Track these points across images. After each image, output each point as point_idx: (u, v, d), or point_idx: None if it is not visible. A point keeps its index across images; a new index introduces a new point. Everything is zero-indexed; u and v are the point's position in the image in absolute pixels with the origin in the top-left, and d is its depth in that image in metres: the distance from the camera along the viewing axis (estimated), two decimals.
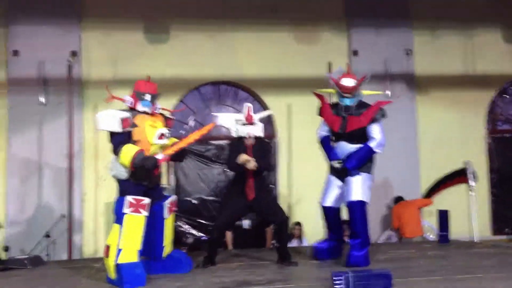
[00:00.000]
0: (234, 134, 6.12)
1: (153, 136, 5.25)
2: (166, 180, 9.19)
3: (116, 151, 5.17)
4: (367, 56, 9.63)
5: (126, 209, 5.10)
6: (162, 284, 5.10)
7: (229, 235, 8.27)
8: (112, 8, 9.36)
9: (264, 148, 6.18)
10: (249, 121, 5.94)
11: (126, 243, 5.05)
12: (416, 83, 9.98)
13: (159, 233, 5.48)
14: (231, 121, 6.16)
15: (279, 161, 9.66)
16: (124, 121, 5.13)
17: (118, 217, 5.14)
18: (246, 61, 9.64)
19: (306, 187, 9.02)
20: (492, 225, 10.11)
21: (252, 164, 5.79)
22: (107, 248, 5.12)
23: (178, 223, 9.21)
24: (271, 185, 9.29)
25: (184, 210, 9.33)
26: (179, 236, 8.86)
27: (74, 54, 8.84)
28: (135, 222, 5.11)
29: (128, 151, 5.06)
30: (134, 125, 5.20)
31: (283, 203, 8.11)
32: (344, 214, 6.35)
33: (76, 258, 8.19)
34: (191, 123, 9.83)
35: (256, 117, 6.00)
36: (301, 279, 5.24)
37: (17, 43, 9.00)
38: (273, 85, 9.59)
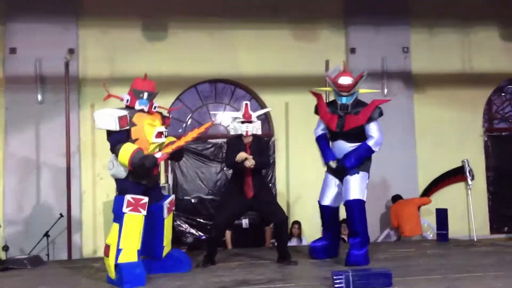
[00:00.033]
0: (232, 132, 6.12)
1: (151, 135, 5.24)
2: (164, 179, 9.18)
3: (114, 150, 5.15)
4: (364, 54, 9.63)
5: (125, 209, 5.09)
6: (162, 283, 5.11)
7: (228, 234, 8.25)
8: (110, 6, 9.31)
9: (262, 146, 6.18)
10: (247, 119, 5.93)
11: (126, 242, 5.06)
12: (413, 81, 9.98)
13: (158, 233, 5.48)
14: (229, 119, 6.15)
15: (277, 159, 9.65)
16: (121, 119, 5.11)
17: (117, 216, 5.14)
18: (244, 59, 9.62)
19: (305, 185, 9.03)
20: (490, 223, 10.12)
21: (250, 162, 5.79)
22: (107, 247, 5.12)
23: (177, 222, 9.20)
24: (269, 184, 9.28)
25: (182, 209, 9.33)
26: (178, 236, 8.86)
27: (71, 51, 8.78)
28: (135, 221, 5.11)
29: (127, 150, 5.05)
30: (133, 124, 5.19)
31: (281, 202, 8.10)
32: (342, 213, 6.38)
33: (76, 258, 8.16)
34: (189, 121, 9.81)
35: (254, 115, 6.00)
36: (301, 278, 5.25)
37: (14, 41, 8.94)
38: (271, 83, 9.57)
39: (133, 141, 5.17)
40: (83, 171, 9.03)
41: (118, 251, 5.03)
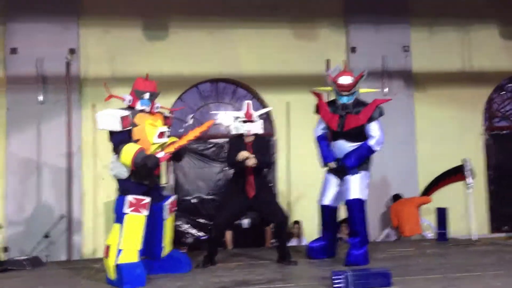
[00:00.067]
0: (233, 132, 6.13)
1: (153, 135, 5.25)
2: (165, 179, 9.18)
3: (116, 150, 5.17)
4: (365, 53, 9.63)
5: (126, 209, 5.10)
6: (162, 284, 5.11)
7: (228, 234, 8.27)
8: (111, 5, 9.31)
9: (264, 145, 6.19)
10: (249, 118, 5.94)
11: (127, 243, 5.06)
12: (413, 80, 9.98)
13: (158, 233, 5.49)
14: (230, 119, 6.17)
15: (278, 159, 9.65)
16: (124, 120, 5.13)
17: (119, 217, 5.15)
18: (245, 58, 9.62)
19: (305, 185, 9.02)
20: (490, 222, 10.11)
21: (252, 161, 5.80)
22: (107, 248, 5.13)
23: (178, 222, 9.20)
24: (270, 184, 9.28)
25: (183, 210, 9.28)
26: (178, 236, 8.84)
27: (72, 51, 8.80)
28: (136, 222, 5.12)
29: (129, 150, 5.06)
30: (134, 124, 5.20)
31: (282, 202, 8.12)
32: (343, 213, 6.39)
33: (75, 259, 8.18)
34: (190, 121, 9.81)
35: (256, 114, 6.01)
36: (300, 278, 5.26)
37: (15, 41, 8.94)
38: (272, 82, 9.58)
39: (135, 142, 5.19)
40: (84, 171, 9.03)
41: (119, 251, 5.04)
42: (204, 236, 9.27)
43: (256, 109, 6.10)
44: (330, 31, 9.88)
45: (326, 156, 6.05)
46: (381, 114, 5.94)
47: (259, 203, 5.94)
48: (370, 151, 5.92)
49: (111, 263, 5.07)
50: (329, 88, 6.25)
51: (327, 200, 6.14)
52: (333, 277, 4.55)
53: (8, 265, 6.24)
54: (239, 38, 9.63)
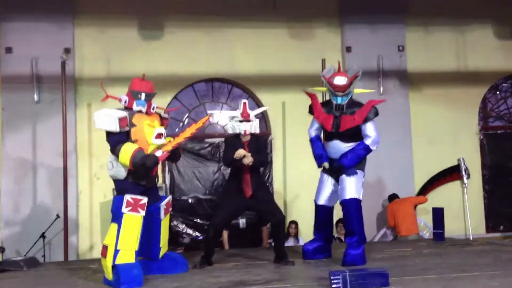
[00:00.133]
0: (230, 131, 6.12)
1: (151, 136, 5.24)
2: (161, 179, 9.16)
3: (114, 150, 5.15)
4: (360, 53, 9.65)
5: (124, 209, 5.09)
6: (159, 284, 5.11)
7: (225, 234, 8.26)
8: (106, 5, 9.27)
9: (260, 144, 6.21)
10: (245, 118, 5.93)
11: (124, 243, 5.06)
12: (409, 80, 10.00)
13: (156, 234, 5.49)
14: (226, 118, 6.16)
15: (274, 158, 9.66)
16: (122, 120, 5.11)
17: (116, 216, 5.14)
18: (241, 58, 9.61)
19: (302, 185, 9.03)
20: (486, 222, 10.15)
21: (248, 159, 5.80)
22: (105, 248, 5.11)
23: (174, 223, 9.19)
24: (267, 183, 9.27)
25: (179, 210, 9.29)
26: (175, 236, 8.84)
27: (67, 51, 8.78)
28: (133, 222, 5.11)
29: (128, 150, 5.05)
30: (133, 125, 5.19)
31: (278, 201, 8.11)
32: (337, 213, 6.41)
33: (72, 259, 8.14)
34: (185, 120, 9.80)
35: (252, 113, 6.00)
36: (298, 279, 5.25)
37: (10, 40, 8.91)
38: (268, 82, 9.58)
39: (133, 142, 5.18)
40: (79, 171, 9.01)
41: (116, 251, 5.03)
42: (200, 236, 9.26)
43: (251, 109, 6.09)
44: (326, 31, 9.89)
45: (320, 156, 6.05)
46: (376, 114, 5.96)
47: (256, 202, 5.94)
48: (368, 150, 5.94)
49: (108, 263, 5.06)
50: (323, 88, 6.26)
51: (323, 200, 6.16)
52: (330, 277, 4.56)
53: (5, 266, 6.21)
54: (234, 38, 9.63)
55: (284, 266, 5.84)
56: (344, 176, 5.93)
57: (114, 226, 5.13)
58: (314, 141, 6.18)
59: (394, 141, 9.24)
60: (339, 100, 5.93)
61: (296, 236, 8.86)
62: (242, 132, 5.93)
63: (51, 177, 8.65)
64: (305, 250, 6.24)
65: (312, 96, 6.21)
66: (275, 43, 9.67)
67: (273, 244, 6.39)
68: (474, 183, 9.58)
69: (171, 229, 7.46)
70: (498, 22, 10.46)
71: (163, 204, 5.53)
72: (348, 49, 9.78)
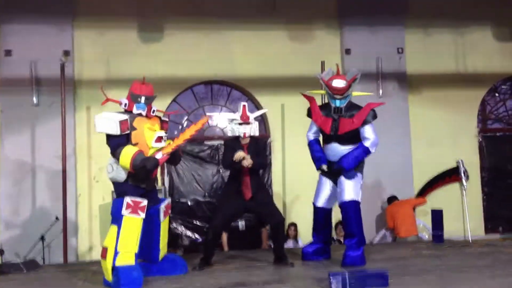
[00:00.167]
0: (229, 134, 6.12)
1: (151, 139, 5.25)
2: (160, 181, 9.16)
3: (114, 153, 5.16)
4: (359, 55, 9.64)
5: (124, 211, 5.10)
6: (158, 286, 5.13)
7: (225, 236, 8.26)
8: (105, 7, 9.27)
9: (260, 147, 6.22)
10: (245, 120, 5.93)
11: (124, 245, 5.07)
12: (408, 82, 10.01)
13: (155, 236, 5.50)
14: (226, 121, 6.16)
15: (273, 160, 9.65)
16: (122, 124, 5.13)
17: (116, 219, 5.15)
18: (240, 60, 9.61)
19: (301, 187, 9.01)
20: (485, 223, 10.16)
21: (248, 161, 5.80)
22: (105, 250, 5.12)
23: (173, 225, 9.18)
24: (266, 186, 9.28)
25: (179, 212, 9.29)
26: (174, 238, 8.83)
27: (66, 53, 8.79)
28: (133, 224, 5.12)
29: (128, 153, 5.07)
30: (133, 128, 5.20)
31: (277, 203, 8.11)
32: (336, 215, 6.41)
33: (71, 261, 8.15)
34: (184, 123, 9.81)
35: (252, 116, 6.00)
36: (297, 280, 5.27)
37: (9, 43, 8.90)
38: (267, 84, 9.58)
39: (133, 145, 5.18)
40: (78, 173, 9.01)
41: (116, 253, 5.04)
42: (200, 238, 9.26)
43: (251, 111, 6.09)
44: (325, 33, 9.90)
45: (319, 159, 6.06)
46: (374, 117, 5.98)
47: (255, 204, 5.95)
48: (367, 152, 5.96)
49: (108, 265, 5.06)
50: (322, 91, 6.27)
51: (321, 202, 6.18)
52: (330, 278, 4.57)
53: (4, 268, 6.20)
54: (234, 40, 9.63)
55: (284, 267, 5.84)
56: (343, 178, 5.95)
57: (114, 228, 5.14)
58: (312, 144, 6.20)
59: (393, 143, 9.24)
60: (338, 103, 5.94)
61: (295, 238, 8.86)
62: (242, 135, 5.94)
63: (50, 179, 8.64)
64: (304, 252, 6.25)
65: (310, 99, 6.22)
66: (275, 46, 9.67)
67: (272, 245, 6.38)
68: (473, 185, 9.58)
69: (171, 231, 7.46)
70: (497, 24, 10.47)
71: (162, 206, 5.54)
72: (348, 51, 9.79)
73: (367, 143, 5.92)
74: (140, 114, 5.31)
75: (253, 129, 5.98)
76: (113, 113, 5.23)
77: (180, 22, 9.44)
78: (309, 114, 6.23)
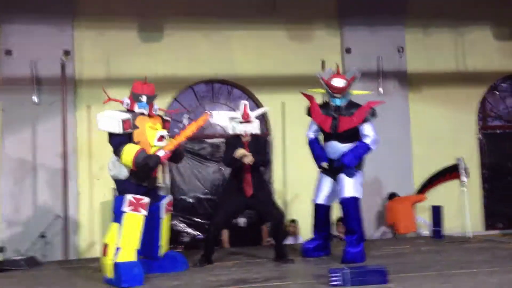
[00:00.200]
0: (230, 132, 6.14)
1: (153, 138, 5.27)
2: (162, 179, 9.18)
3: (117, 151, 5.18)
4: (360, 54, 9.65)
5: (125, 208, 5.12)
6: (159, 283, 5.12)
7: (225, 233, 8.28)
8: (106, 7, 9.29)
9: (261, 144, 6.23)
10: (246, 119, 5.95)
11: (125, 242, 5.07)
12: (408, 81, 10.02)
13: (156, 232, 5.51)
14: (227, 119, 6.18)
15: (274, 158, 9.67)
16: (125, 123, 5.15)
17: (117, 216, 5.16)
18: (240, 59, 9.63)
19: (301, 184, 9.01)
20: (484, 220, 10.17)
21: (249, 158, 5.81)
22: (105, 246, 5.13)
23: (174, 222, 9.21)
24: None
25: (180, 209, 9.30)
26: (175, 235, 8.85)
27: (67, 53, 8.80)
28: (135, 221, 5.13)
29: (130, 151, 5.09)
30: (135, 127, 5.23)
31: (278, 201, 8.13)
32: (337, 212, 6.42)
33: (72, 258, 8.17)
34: (185, 121, 9.83)
35: (253, 114, 6.02)
36: (297, 276, 5.28)
37: (10, 43, 8.92)
38: (267, 83, 9.59)
39: (135, 144, 5.20)
40: (79, 172, 9.01)
41: (117, 250, 5.05)
42: (200, 235, 9.27)
43: (251, 110, 6.11)
44: (325, 33, 9.91)
45: (320, 157, 6.09)
46: (374, 115, 5.99)
47: (256, 202, 5.96)
48: (368, 149, 5.99)
49: (109, 261, 5.07)
50: (321, 90, 6.29)
51: (321, 199, 6.20)
52: (330, 275, 4.58)
53: (5, 265, 6.22)
54: (234, 39, 9.64)
55: (284, 264, 5.85)
56: (343, 175, 5.97)
57: (115, 225, 5.15)
58: (313, 143, 6.22)
59: (394, 141, 9.25)
60: (337, 101, 5.97)
61: (295, 235, 8.88)
62: (243, 133, 5.95)
63: (51, 178, 8.67)
64: (304, 249, 6.27)
65: (310, 98, 6.24)
66: (275, 45, 9.68)
67: (272, 242, 6.39)
68: (473, 181, 9.58)
69: (171, 228, 7.47)
70: (496, 23, 10.48)
71: (163, 203, 5.56)
72: (348, 51, 9.80)
73: (367, 141, 5.95)
74: (142, 113, 5.33)
75: (254, 128, 6.00)
76: (116, 111, 5.26)
77: (180, 22, 9.46)
78: (309, 112, 6.25)
